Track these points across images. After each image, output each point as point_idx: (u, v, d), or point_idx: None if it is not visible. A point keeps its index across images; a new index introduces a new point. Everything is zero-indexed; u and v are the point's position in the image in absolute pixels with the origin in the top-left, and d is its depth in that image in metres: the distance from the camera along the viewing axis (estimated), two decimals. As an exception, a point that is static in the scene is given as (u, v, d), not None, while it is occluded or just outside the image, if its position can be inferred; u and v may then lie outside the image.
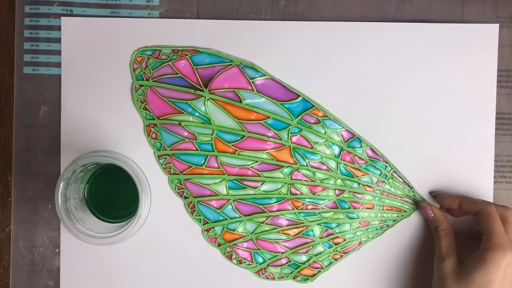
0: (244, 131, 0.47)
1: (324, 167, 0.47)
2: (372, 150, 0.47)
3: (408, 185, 0.47)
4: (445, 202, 0.45)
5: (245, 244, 0.47)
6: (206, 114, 0.46)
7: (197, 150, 0.47)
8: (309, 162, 0.47)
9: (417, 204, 0.46)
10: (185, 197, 0.47)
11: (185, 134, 0.47)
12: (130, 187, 0.41)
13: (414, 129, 0.47)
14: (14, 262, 0.47)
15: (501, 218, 0.42)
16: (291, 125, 0.46)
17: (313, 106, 0.46)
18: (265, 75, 0.46)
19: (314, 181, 0.47)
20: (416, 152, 0.47)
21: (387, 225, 0.47)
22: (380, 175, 0.47)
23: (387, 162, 0.47)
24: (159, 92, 0.47)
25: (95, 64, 0.47)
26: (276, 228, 0.47)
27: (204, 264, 0.47)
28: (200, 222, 0.47)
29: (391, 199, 0.47)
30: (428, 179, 0.47)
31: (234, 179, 0.47)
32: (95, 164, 0.43)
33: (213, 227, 0.47)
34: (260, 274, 0.47)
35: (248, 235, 0.47)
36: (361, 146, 0.47)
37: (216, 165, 0.47)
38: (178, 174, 0.47)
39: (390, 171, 0.47)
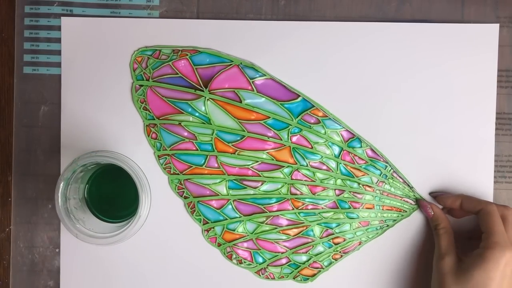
0: (244, 131, 0.47)
1: (324, 167, 0.47)
2: (372, 150, 0.47)
3: (408, 185, 0.47)
4: (446, 202, 0.45)
5: (245, 244, 0.47)
6: (206, 114, 0.46)
7: (197, 150, 0.47)
8: (309, 162, 0.47)
9: (418, 202, 0.46)
10: (185, 197, 0.47)
11: (185, 134, 0.47)
12: (130, 187, 0.41)
13: (414, 129, 0.47)
14: (14, 262, 0.47)
15: (502, 218, 0.43)
16: (291, 125, 0.46)
17: (313, 106, 0.46)
18: (265, 75, 0.46)
19: (314, 181, 0.47)
20: (416, 152, 0.47)
21: (387, 225, 0.47)
22: (380, 175, 0.47)
23: (387, 162, 0.47)
24: (159, 92, 0.47)
25: (95, 64, 0.47)
26: (276, 228, 0.47)
27: (204, 264, 0.47)
28: (200, 222, 0.47)
29: (391, 199, 0.47)
30: (428, 179, 0.47)
31: (234, 179, 0.47)
32: (95, 164, 0.43)
33: (213, 227, 0.47)
34: (260, 274, 0.47)
35: (248, 235, 0.47)
36: (361, 146, 0.47)
37: (216, 165, 0.47)
38: (178, 174, 0.47)
39: (390, 171, 0.47)
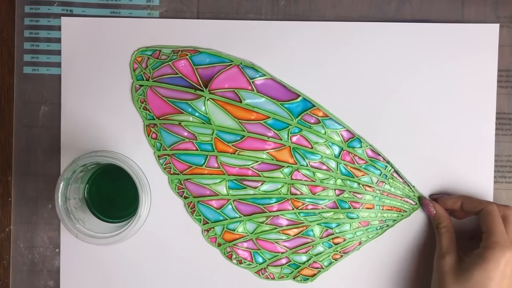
0: (244, 131, 0.47)
1: (324, 167, 0.47)
2: (372, 150, 0.47)
3: (408, 185, 0.47)
4: (447, 204, 0.45)
5: (245, 244, 0.47)
6: (206, 114, 0.46)
7: (197, 150, 0.47)
8: (309, 162, 0.47)
9: (420, 200, 0.46)
10: (185, 197, 0.47)
11: (185, 134, 0.47)
12: (130, 187, 0.41)
13: (414, 129, 0.47)
14: (14, 262, 0.47)
15: (502, 218, 0.43)
16: (291, 125, 0.46)
17: (313, 106, 0.46)
18: (265, 75, 0.46)
19: (314, 181, 0.47)
20: (416, 152, 0.47)
21: (387, 225, 0.47)
22: (380, 175, 0.47)
23: (387, 162, 0.47)
24: (159, 92, 0.47)
25: (95, 64, 0.47)
26: (276, 228, 0.47)
27: (204, 264, 0.47)
28: (200, 222, 0.47)
29: (391, 199, 0.47)
30: (428, 179, 0.47)
31: (234, 179, 0.47)
32: (95, 164, 0.43)
33: (213, 227, 0.47)
34: (260, 274, 0.47)
35: (248, 235, 0.47)
36: (361, 146, 0.47)
37: (216, 165, 0.47)
38: (178, 174, 0.47)
39: (390, 171, 0.47)
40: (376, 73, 0.47)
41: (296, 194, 0.47)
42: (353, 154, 0.47)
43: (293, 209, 0.47)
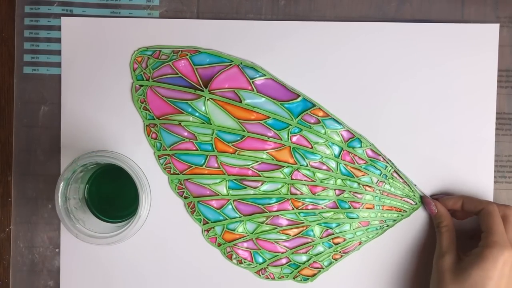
0: (244, 131, 0.47)
1: (324, 167, 0.47)
2: (372, 150, 0.47)
3: (408, 185, 0.47)
4: (448, 204, 0.45)
5: (245, 244, 0.47)
6: (206, 114, 0.46)
7: (197, 150, 0.47)
8: (309, 162, 0.47)
9: (421, 199, 0.46)
10: (185, 197, 0.47)
11: (185, 134, 0.47)
12: (130, 187, 0.41)
13: (414, 129, 0.47)
14: (14, 262, 0.47)
15: (502, 217, 0.43)
16: (291, 125, 0.46)
17: (313, 106, 0.46)
18: (265, 75, 0.46)
19: (314, 181, 0.47)
20: (416, 152, 0.47)
21: (387, 225, 0.47)
22: (380, 175, 0.47)
23: (387, 162, 0.47)
24: (159, 92, 0.47)
25: (95, 64, 0.47)
26: (276, 228, 0.47)
27: (204, 264, 0.47)
28: (200, 222, 0.47)
29: (391, 199, 0.47)
30: (428, 179, 0.47)
31: (234, 179, 0.47)
32: (95, 164, 0.43)
33: (213, 227, 0.47)
34: (260, 274, 0.47)
35: (248, 235, 0.47)
36: (361, 146, 0.47)
37: (216, 165, 0.47)
38: (178, 174, 0.47)
39: (390, 171, 0.47)
40: (376, 73, 0.47)
41: (296, 194, 0.47)
42: (353, 154, 0.47)
43: (293, 209, 0.47)
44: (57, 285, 0.47)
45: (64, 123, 0.47)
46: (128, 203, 0.45)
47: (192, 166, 0.47)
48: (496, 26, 0.47)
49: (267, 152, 0.47)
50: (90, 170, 0.45)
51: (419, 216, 0.47)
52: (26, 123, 0.47)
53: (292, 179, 0.47)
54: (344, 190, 0.47)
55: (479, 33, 0.46)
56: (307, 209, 0.47)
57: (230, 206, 0.47)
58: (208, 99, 0.46)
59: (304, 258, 0.47)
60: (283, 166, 0.47)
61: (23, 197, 0.47)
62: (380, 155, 0.47)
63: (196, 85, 0.46)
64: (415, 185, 0.47)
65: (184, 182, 0.47)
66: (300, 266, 0.47)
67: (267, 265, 0.47)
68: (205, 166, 0.47)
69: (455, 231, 0.45)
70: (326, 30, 0.47)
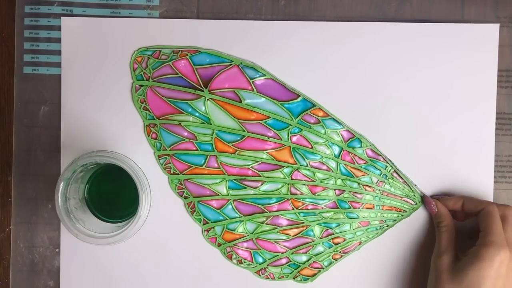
0: (244, 131, 0.47)
1: (324, 167, 0.47)
2: (372, 150, 0.47)
3: (408, 185, 0.47)
4: (448, 204, 0.45)
5: (245, 244, 0.47)
6: (206, 114, 0.46)
7: (197, 150, 0.47)
8: (309, 162, 0.47)
9: (422, 198, 0.46)
10: (185, 197, 0.47)
11: (185, 134, 0.47)
12: (130, 187, 0.41)
13: (414, 129, 0.47)
14: (14, 262, 0.47)
15: (502, 217, 0.43)
16: (291, 125, 0.46)
17: (313, 106, 0.46)
18: (265, 75, 0.46)
19: (314, 181, 0.47)
20: (416, 152, 0.47)
21: (387, 225, 0.47)
22: (380, 175, 0.47)
23: (387, 162, 0.47)
24: (159, 92, 0.47)
25: (95, 64, 0.47)
26: (276, 228, 0.47)
27: (204, 264, 0.47)
28: (200, 222, 0.47)
29: (391, 199, 0.47)
30: (428, 179, 0.47)
31: (234, 179, 0.47)
32: (95, 164, 0.43)
33: (213, 227, 0.47)
34: (260, 274, 0.47)
35: (248, 235, 0.47)
36: (361, 146, 0.47)
37: (216, 165, 0.47)
38: (178, 174, 0.47)
39: (390, 171, 0.47)
40: (376, 73, 0.47)
41: (296, 194, 0.47)
42: (353, 154, 0.47)
43: (293, 209, 0.47)
44: (57, 285, 0.47)
45: (64, 123, 0.47)
46: (128, 203, 0.45)
47: (192, 166, 0.47)
48: (496, 26, 0.47)
49: (267, 152, 0.47)
50: (90, 170, 0.45)
51: (419, 216, 0.47)
52: (26, 123, 0.47)
53: (292, 179, 0.47)
54: (344, 190, 0.47)
55: (479, 33, 0.46)
56: (307, 209, 0.47)
57: (230, 206, 0.47)
58: (208, 99, 0.46)
59: (304, 258, 0.47)
60: (283, 166, 0.47)
61: (23, 197, 0.47)
62: (380, 155, 0.47)
63: (196, 85, 0.46)
64: (415, 185, 0.47)
65: (184, 182, 0.47)
66: (300, 266, 0.47)
67: (267, 265, 0.47)
68: (205, 166, 0.47)
69: (455, 231, 0.45)
70: (326, 30, 0.47)
